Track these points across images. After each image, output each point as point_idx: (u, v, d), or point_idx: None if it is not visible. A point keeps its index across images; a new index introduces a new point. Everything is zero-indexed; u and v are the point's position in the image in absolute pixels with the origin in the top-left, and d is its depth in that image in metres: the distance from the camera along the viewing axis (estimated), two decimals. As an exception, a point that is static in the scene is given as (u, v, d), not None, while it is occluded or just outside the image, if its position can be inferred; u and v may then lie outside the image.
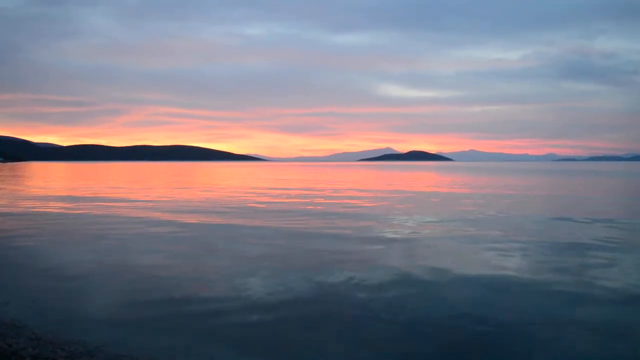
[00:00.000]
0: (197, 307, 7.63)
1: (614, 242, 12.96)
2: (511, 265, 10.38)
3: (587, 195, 31.82)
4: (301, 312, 7.45)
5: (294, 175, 68.13)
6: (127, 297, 8.13)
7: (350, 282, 8.98)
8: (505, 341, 6.39)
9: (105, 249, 12.26)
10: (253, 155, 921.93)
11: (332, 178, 57.57)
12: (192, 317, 7.19)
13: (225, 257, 11.40)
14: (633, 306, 7.77)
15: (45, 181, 50.11)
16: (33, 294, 8.36)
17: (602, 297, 8.11)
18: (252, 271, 9.83)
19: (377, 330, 6.73)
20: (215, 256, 11.46)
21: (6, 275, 9.60)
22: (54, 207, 22.58)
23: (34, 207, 22.53)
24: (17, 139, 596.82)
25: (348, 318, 7.17)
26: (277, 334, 6.65)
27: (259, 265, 10.32)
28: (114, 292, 8.47)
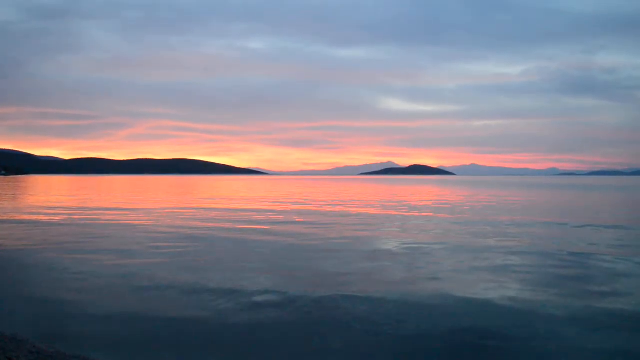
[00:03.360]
0: (201, 323, 7.60)
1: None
2: (518, 281, 10.34)
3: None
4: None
5: (292, 190, 68.11)
6: (129, 311, 8.11)
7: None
8: (508, 356, 6.36)
9: (107, 262, 12.23)
10: (255, 169, 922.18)
11: (342, 195, 57.08)
12: (196, 334, 7.16)
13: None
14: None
15: (42, 195, 50.09)
16: (34, 307, 8.34)
17: (608, 319, 8.08)
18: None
19: (379, 344, 6.70)
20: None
21: (7, 289, 9.58)
22: (50, 220, 22.57)
23: (33, 221, 22.52)
24: (19, 152, 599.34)
25: (350, 332, 7.14)
26: (279, 346, 6.63)
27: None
28: (115, 306, 8.43)
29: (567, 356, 6.33)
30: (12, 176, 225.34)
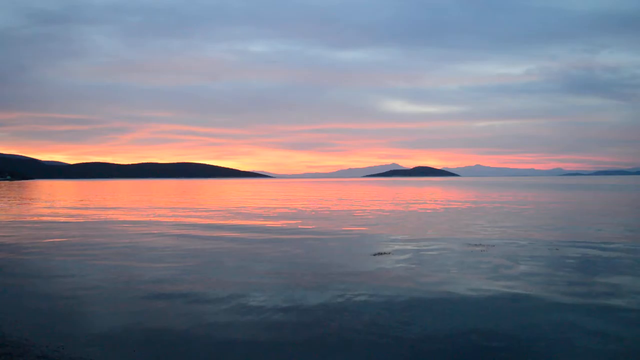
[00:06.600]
0: (206, 326, 7.60)
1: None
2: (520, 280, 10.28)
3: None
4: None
5: (298, 193, 67.93)
6: (133, 316, 8.12)
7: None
8: (513, 357, 6.33)
9: (110, 267, 12.24)
10: (259, 172, 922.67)
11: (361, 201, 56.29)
12: (201, 337, 7.15)
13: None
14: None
15: (35, 201, 50.16)
16: (39, 313, 8.35)
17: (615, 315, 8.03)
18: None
19: (385, 347, 6.68)
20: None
21: (12, 295, 9.59)
22: (56, 225, 22.61)
23: (37, 226, 22.58)
24: (24, 157, 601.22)
25: (357, 334, 7.12)
26: (285, 348, 6.62)
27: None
28: (119, 310, 8.44)
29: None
30: (17, 181, 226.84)
